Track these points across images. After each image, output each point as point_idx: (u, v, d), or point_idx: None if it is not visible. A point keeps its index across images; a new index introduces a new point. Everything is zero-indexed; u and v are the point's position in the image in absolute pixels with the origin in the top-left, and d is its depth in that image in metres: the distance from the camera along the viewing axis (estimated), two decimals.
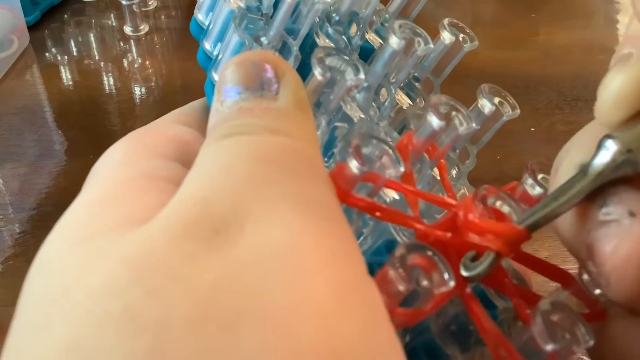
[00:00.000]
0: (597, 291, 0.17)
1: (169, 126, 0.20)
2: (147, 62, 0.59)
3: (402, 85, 0.26)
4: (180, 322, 0.11)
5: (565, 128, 0.53)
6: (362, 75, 0.19)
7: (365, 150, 0.16)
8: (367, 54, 0.26)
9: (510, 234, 0.15)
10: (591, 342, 0.14)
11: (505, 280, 0.17)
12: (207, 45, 0.24)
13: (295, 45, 0.22)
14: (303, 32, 0.23)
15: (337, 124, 0.21)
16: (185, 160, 0.18)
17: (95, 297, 0.12)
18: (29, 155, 0.48)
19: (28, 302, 0.13)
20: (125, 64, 0.59)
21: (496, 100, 0.23)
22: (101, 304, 0.12)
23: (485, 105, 0.22)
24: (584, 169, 0.15)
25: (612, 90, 0.15)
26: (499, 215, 0.16)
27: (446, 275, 0.14)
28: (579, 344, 0.14)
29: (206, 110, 0.23)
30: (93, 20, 0.65)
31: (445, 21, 0.25)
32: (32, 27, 0.61)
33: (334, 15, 0.25)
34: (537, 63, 0.62)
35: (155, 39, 0.63)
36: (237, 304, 0.11)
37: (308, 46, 0.24)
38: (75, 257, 0.13)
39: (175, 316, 0.11)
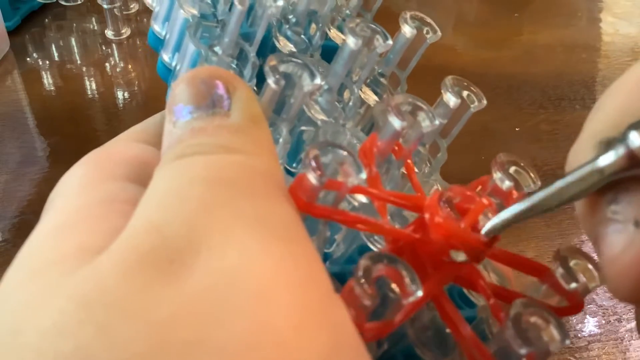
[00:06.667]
0: (573, 285, 0.17)
1: (127, 146, 0.19)
2: (130, 66, 0.59)
3: (368, 81, 0.26)
4: (133, 359, 0.11)
5: (550, 127, 0.53)
6: (318, 81, 0.19)
7: (325, 159, 0.15)
8: (330, 51, 0.25)
9: (472, 244, 0.15)
10: (566, 341, 0.14)
11: (480, 282, 0.17)
12: (165, 56, 0.23)
13: (252, 52, 0.22)
14: (259, 36, 0.23)
15: (303, 127, 0.21)
16: (144, 181, 0.17)
17: (46, 338, 0.11)
18: (10, 162, 0.48)
19: None
20: (108, 68, 0.58)
21: (464, 93, 0.23)
22: (52, 345, 0.11)
23: (450, 99, 0.22)
24: (603, 148, 0.14)
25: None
26: (465, 214, 0.16)
27: (413, 285, 0.14)
28: (555, 343, 0.14)
29: None
30: (74, 25, 0.64)
31: (407, 14, 0.25)
32: (12, 32, 0.60)
33: (290, 17, 0.25)
34: (520, 62, 0.62)
35: (138, 42, 0.62)
36: (193, 336, 0.11)
37: (269, 50, 0.24)
38: (26, 294, 0.13)
39: (128, 354, 0.11)
